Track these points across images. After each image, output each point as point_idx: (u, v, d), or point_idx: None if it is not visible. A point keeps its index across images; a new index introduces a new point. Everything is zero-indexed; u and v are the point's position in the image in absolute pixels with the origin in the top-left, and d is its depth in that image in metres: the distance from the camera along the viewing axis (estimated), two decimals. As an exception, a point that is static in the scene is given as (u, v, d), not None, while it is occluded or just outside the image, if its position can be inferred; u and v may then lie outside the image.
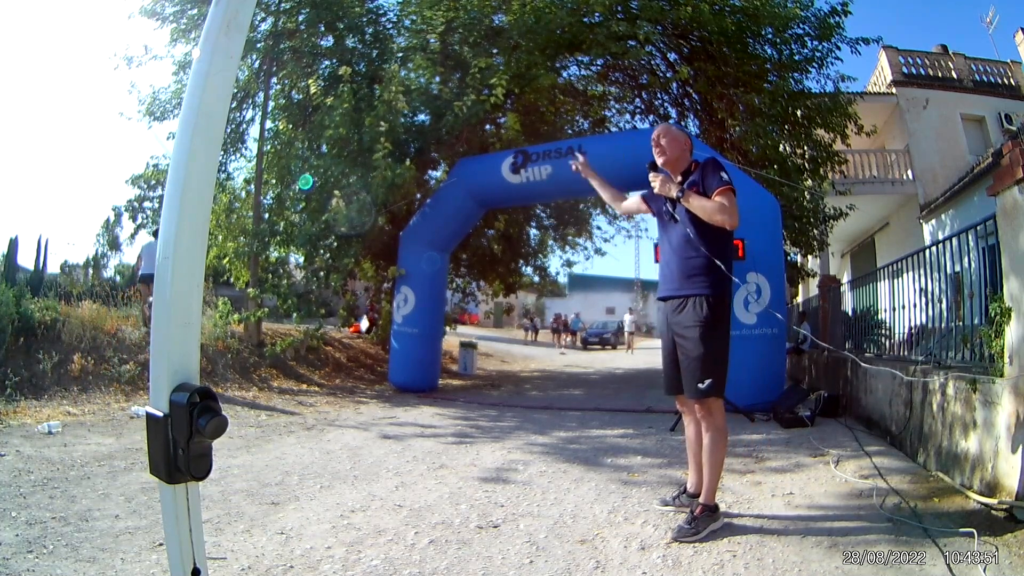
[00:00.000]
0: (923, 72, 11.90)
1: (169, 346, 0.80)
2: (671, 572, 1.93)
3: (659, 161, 2.45)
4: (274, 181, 7.86)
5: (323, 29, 8.00)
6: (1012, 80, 11.95)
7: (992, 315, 2.55)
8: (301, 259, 7.94)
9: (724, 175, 2.31)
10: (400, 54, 8.10)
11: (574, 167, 2.86)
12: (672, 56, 8.97)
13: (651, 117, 9.80)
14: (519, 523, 2.40)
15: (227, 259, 7.96)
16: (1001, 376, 2.47)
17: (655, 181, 2.42)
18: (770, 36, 8.15)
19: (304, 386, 6.92)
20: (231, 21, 0.86)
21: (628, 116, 10.20)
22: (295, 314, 7.27)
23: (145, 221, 8.56)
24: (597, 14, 7.56)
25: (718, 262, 2.30)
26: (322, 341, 8.22)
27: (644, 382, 9.31)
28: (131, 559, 1.95)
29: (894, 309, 4.66)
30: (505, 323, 30.31)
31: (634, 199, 2.79)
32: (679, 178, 2.44)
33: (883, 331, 5.21)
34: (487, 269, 11.31)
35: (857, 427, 4.44)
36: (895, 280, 4.69)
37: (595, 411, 5.96)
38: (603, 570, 1.94)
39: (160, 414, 0.78)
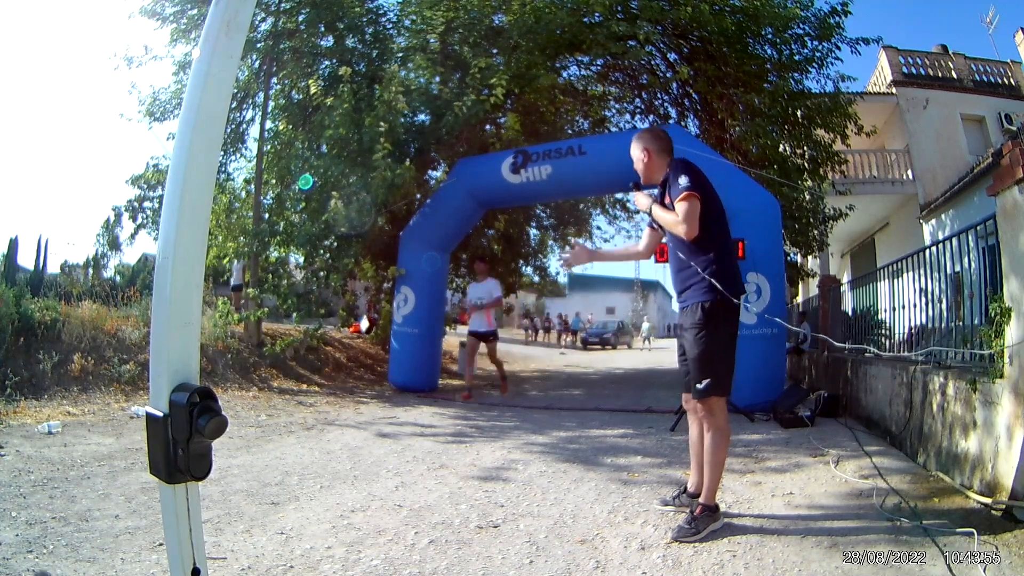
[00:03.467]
0: (923, 72, 11.91)
1: (169, 346, 0.80)
2: (671, 572, 1.93)
3: (641, 180, 2.50)
4: (274, 181, 7.86)
5: (323, 29, 7.99)
6: (1012, 80, 11.95)
7: (992, 315, 2.55)
8: (301, 259, 7.94)
9: (683, 180, 2.24)
10: (400, 54, 8.09)
11: (571, 264, 2.87)
12: (672, 56, 8.97)
13: (651, 117, 9.81)
14: (519, 523, 2.40)
15: (227, 259, 7.95)
16: (1001, 376, 2.47)
17: (636, 200, 2.50)
18: (770, 36, 8.14)
19: (304, 386, 6.92)
20: (231, 21, 0.86)
21: (628, 116, 10.21)
22: (295, 314, 7.27)
23: (145, 221, 8.55)
24: (597, 14, 7.55)
25: (703, 268, 2.30)
26: (322, 341, 8.22)
27: (644, 382, 9.32)
28: (131, 559, 1.95)
29: (894, 309, 4.66)
30: (505, 323, 30.31)
31: (645, 237, 2.76)
32: (658, 187, 2.47)
33: (883, 331, 5.21)
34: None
35: (857, 427, 4.44)
36: (895, 280, 4.69)
37: (595, 411, 5.96)
38: (603, 570, 1.95)
39: (160, 414, 0.78)
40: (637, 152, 2.47)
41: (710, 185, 2.33)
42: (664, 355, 17.60)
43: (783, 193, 7.23)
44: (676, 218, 2.25)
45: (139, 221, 8.56)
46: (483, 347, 7.03)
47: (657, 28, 7.81)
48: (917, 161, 11.21)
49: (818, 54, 8.18)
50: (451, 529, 2.33)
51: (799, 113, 8.27)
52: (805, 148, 8.50)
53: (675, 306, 2.62)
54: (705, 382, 2.28)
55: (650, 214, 2.41)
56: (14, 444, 3.43)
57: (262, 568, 1.93)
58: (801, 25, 8.05)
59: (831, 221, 9.01)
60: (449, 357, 10.59)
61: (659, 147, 2.45)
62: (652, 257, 2.96)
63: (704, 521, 2.22)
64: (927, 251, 4.07)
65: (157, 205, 8.41)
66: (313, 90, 7.26)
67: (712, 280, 2.29)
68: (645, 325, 27.21)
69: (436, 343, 7.78)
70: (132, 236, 8.85)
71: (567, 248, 2.90)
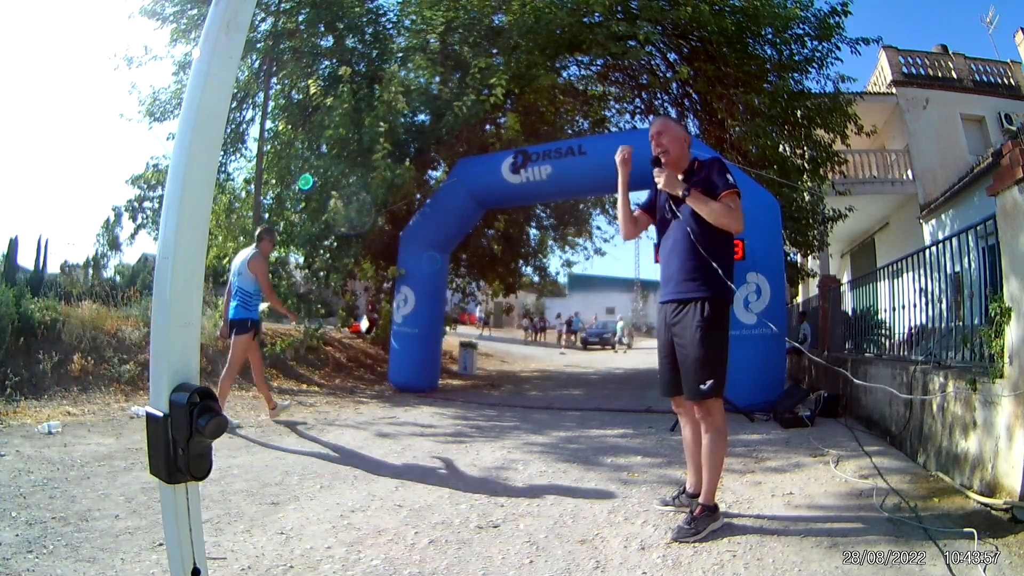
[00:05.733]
0: (923, 72, 11.91)
1: (169, 346, 0.80)
2: (671, 572, 1.93)
3: (662, 159, 2.40)
4: (274, 181, 7.87)
5: (323, 29, 8.00)
6: (1012, 80, 11.95)
7: (992, 315, 2.54)
8: (301, 259, 7.95)
9: (730, 177, 2.29)
10: (400, 54, 8.11)
11: (623, 154, 2.50)
12: (672, 56, 8.99)
13: (651, 117, 9.81)
14: (519, 523, 2.40)
15: (227, 259, 7.96)
16: (1001, 376, 2.47)
17: (659, 177, 2.36)
18: (770, 36, 8.16)
19: (304, 386, 6.92)
20: (231, 21, 0.86)
21: (628, 116, 10.22)
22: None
23: (145, 221, 8.57)
24: (597, 14, 7.56)
25: (716, 264, 2.27)
26: (322, 341, 8.22)
27: (643, 382, 9.31)
28: (131, 559, 1.94)
29: (894, 309, 4.66)
30: (505, 323, 30.33)
31: (637, 216, 2.65)
32: (680, 176, 2.38)
33: (883, 331, 5.21)
34: (487, 269, 11.32)
35: (857, 427, 4.44)
36: (895, 280, 4.69)
37: (595, 411, 5.96)
38: (603, 570, 1.94)
39: (160, 414, 0.78)
40: (677, 135, 2.42)
41: None
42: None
43: (783, 193, 7.24)
44: (724, 209, 2.24)
45: (139, 221, 8.59)
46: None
47: (657, 28, 7.82)
48: (917, 161, 11.21)
49: (818, 54, 8.20)
50: (451, 529, 2.32)
51: (799, 113, 8.28)
52: (805, 148, 8.51)
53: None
54: (709, 383, 2.24)
55: (681, 196, 2.30)
56: (14, 444, 3.43)
57: (262, 568, 1.93)
58: (801, 25, 8.07)
59: (831, 222, 9.02)
60: (449, 357, 10.59)
61: (690, 142, 2.50)
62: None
63: (704, 521, 2.22)
64: (927, 251, 4.07)
65: (157, 205, 8.43)
66: (313, 90, 7.27)
67: (724, 279, 2.28)
68: (619, 325, 24.35)
69: (436, 343, 7.78)
70: (132, 236, 8.90)
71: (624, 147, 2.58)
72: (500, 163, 7.07)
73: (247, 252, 4.71)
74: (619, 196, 2.57)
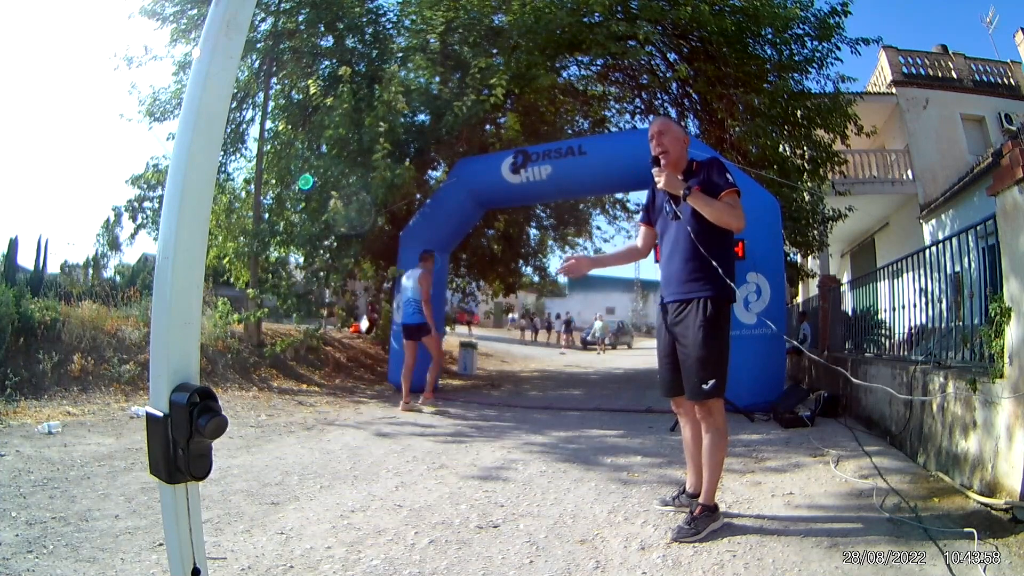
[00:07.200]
0: (923, 72, 11.92)
1: (169, 346, 0.80)
2: (671, 572, 1.93)
3: (661, 159, 2.40)
4: (274, 181, 7.85)
5: (323, 29, 7.99)
6: (1012, 80, 11.96)
7: (992, 315, 2.54)
8: (301, 259, 7.94)
9: (730, 176, 2.30)
10: (400, 54, 8.10)
11: (571, 275, 2.66)
12: (672, 56, 8.98)
13: (651, 117, 9.81)
14: (519, 523, 2.40)
15: (227, 259, 7.95)
16: (1001, 376, 2.47)
17: (659, 177, 2.36)
18: (770, 36, 8.16)
19: (304, 386, 6.92)
20: (231, 21, 0.86)
21: (628, 116, 10.22)
22: (295, 314, 7.27)
23: (145, 221, 8.55)
24: (597, 14, 7.56)
25: (718, 264, 2.27)
26: (322, 341, 8.22)
27: (644, 382, 9.31)
28: (131, 559, 1.94)
29: (894, 309, 4.66)
30: (504, 323, 30.37)
31: (641, 236, 2.67)
32: (680, 176, 2.38)
33: (883, 331, 5.21)
34: (487, 269, 11.32)
35: (857, 427, 4.44)
36: (895, 280, 4.69)
37: (595, 411, 5.96)
38: (603, 570, 1.94)
39: (160, 414, 0.78)
40: (677, 136, 2.42)
41: None
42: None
43: (783, 193, 7.24)
44: (726, 208, 2.25)
45: (139, 221, 8.55)
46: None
47: (657, 28, 7.82)
48: (917, 161, 11.22)
49: (818, 54, 8.20)
50: (451, 529, 2.32)
51: (799, 113, 8.28)
52: (805, 148, 8.51)
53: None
54: (711, 383, 2.23)
55: (682, 195, 2.29)
56: (14, 444, 3.43)
57: (262, 568, 1.93)
58: (801, 25, 8.07)
59: (831, 222, 9.02)
60: (449, 357, 10.59)
61: (689, 143, 2.50)
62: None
63: (704, 521, 2.22)
64: (927, 251, 4.07)
65: (157, 205, 8.40)
66: (313, 90, 7.26)
67: (726, 278, 2.28)
68: (597, 324, 22.55)
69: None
70: (132, 236, 8.85)
71: (564, 260, 2.72)
72: (500, 163, 7.06)
73: (417, 270, 5.89)
74: (616, 263, 2.88)
